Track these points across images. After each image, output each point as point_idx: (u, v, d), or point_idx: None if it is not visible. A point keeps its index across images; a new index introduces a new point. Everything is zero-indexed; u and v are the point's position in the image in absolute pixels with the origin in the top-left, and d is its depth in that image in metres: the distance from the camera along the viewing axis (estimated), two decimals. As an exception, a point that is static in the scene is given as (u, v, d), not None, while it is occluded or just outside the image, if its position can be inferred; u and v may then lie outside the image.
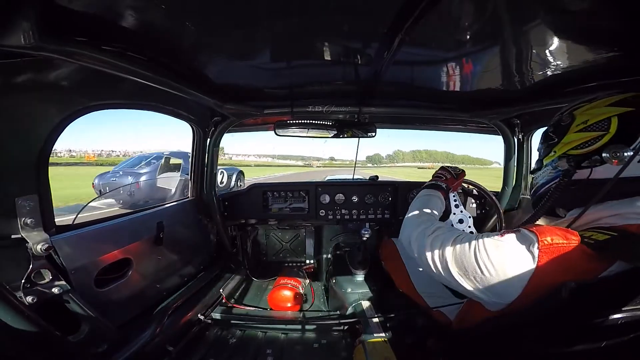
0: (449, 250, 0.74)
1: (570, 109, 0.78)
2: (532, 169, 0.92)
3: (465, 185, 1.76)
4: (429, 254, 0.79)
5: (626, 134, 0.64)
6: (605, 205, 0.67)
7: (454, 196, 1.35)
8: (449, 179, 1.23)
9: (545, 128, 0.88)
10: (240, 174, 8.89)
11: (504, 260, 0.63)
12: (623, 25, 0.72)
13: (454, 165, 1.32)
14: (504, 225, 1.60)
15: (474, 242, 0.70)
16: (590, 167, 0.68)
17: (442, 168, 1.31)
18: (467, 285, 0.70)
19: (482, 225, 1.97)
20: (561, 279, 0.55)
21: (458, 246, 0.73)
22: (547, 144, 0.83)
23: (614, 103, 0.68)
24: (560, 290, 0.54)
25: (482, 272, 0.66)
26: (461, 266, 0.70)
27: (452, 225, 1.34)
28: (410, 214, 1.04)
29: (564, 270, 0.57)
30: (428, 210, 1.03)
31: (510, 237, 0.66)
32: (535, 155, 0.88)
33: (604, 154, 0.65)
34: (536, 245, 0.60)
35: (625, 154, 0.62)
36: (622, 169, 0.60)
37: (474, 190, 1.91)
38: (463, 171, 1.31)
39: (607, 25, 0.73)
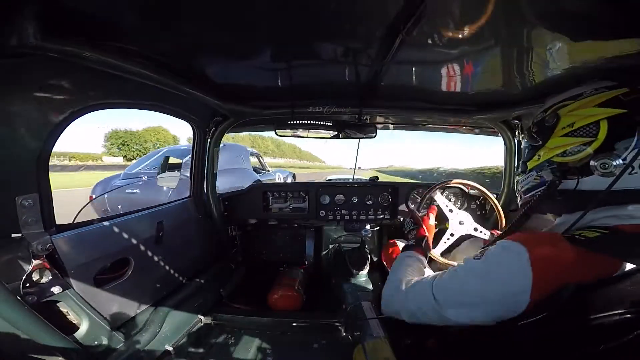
0: (430, 293, 0.69)
1: (555, 107, 0.70)
2: (516, 170, 0.87)
3: (466, 187, 1.76)
4: (411, 305, 0.74)
5: (616, 141, 0.59)
6: (600, 208, 0.63)
7: (445, 204, 1.36)
8: (418, 228, 1.12)
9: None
10: (293, 177, 8.65)
11: (497, 282, 0.59)
12: (624, 25, 0.72)
13: (419, 192, 1.23)
14: (504, 225, 1.59)
15: (457, 276, 0.66)
16: (577, 178, 0.63)
17: (408, 211, 1.22)
18: (468, 319, 0.64)
19: (482, 226, 1.97)
20: (562, 283, 0.54)
21: (441, 285, 0.68)
22: (531, 145, 0.76)
23: (603, 103, 0.62)
24: (561, 292, 0.54)
25: (476, 302, 0.61)
26: (452, 303, 0.66)
27: (455, 229, 1.35)
28: (387, 283, 0.94)
29: (562, 276, 0.55)
30: (402, 274, 0.93)
31: (496, 256, 0.61)
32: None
33: (591, 163, 0.60)
34: (526, 257, 0.56)
35: (614, 162, 0.57)
36: (613, 182, 0.57)
37: (474, 191, 1.91)
38: (429, 192, 1.29)
39: (607, 25, 0.73)
